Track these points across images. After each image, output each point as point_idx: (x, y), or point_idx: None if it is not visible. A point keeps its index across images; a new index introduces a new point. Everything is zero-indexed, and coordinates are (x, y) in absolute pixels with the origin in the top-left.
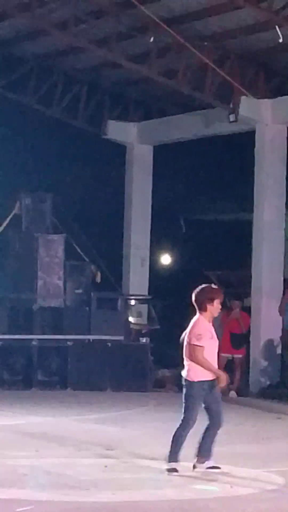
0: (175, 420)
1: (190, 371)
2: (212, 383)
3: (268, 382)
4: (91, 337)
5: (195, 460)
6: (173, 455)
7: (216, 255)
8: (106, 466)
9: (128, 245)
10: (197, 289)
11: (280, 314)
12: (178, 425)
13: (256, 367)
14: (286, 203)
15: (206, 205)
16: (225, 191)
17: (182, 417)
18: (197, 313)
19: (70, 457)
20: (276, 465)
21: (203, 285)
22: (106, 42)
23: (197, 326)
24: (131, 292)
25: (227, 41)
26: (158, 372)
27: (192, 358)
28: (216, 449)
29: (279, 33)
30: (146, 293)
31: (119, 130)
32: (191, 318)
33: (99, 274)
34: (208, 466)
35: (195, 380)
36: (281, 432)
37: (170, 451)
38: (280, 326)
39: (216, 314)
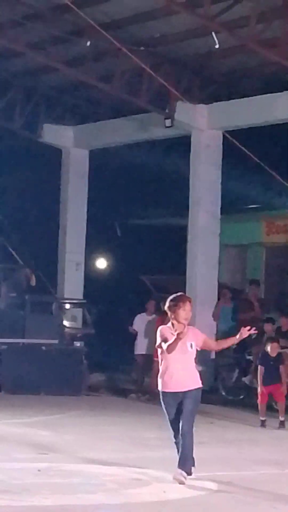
0: (108, 424)
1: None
2: None
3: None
4: (25, 340)
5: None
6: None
7: (151, 260)
8: (39, 470)
9: (63, 249)
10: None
11: (214, 320)
12: (189, 436)
13: None
14: (221, 209)
15: (142, 210)
16: (160, 196)
17: (191, 426)
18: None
19: (2, 461)
20: (208, 470)
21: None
22: (43, 46)
23: None
24: (65, 296)
25: (163, 47)
26: (92, 377)
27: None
28: (148, 453)
29: (215, 39)
30: (81, 297)
31: (55, 134)
32: (127, 321)
33: (34, 277)
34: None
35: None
36: (213, 437)
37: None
38: (214, 331)
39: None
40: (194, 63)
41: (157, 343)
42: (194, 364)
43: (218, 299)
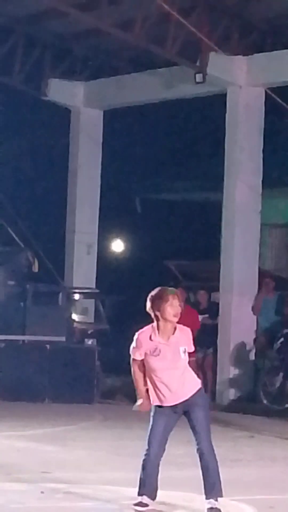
0: (126, 438)
1: None
2: None
3: (238, 394)
4: (26, 337)
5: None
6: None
7: (177, 242)
8: (42, 492)
9: (72, 229)
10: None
11: (254, 314)
12: (213, 456)
13: (224, 376)
14: (263, 182)
15: (166, 182)
16: (189, 166)
17: (211, 441)
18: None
19: None
20: (246, 492)
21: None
22: None
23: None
24: (75, 285)
25: None
26: (107, 381)
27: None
28: (175, 473)
29: None
30: (93, 286)
31: (63, 91)
32: (148, 315)
33: (36, 262)
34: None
35: None
36: (253, 454)
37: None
38: (254, 327)
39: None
40: (232, 6)
41: (132, 353)
42: (189, 369)
43: (259, 289)
